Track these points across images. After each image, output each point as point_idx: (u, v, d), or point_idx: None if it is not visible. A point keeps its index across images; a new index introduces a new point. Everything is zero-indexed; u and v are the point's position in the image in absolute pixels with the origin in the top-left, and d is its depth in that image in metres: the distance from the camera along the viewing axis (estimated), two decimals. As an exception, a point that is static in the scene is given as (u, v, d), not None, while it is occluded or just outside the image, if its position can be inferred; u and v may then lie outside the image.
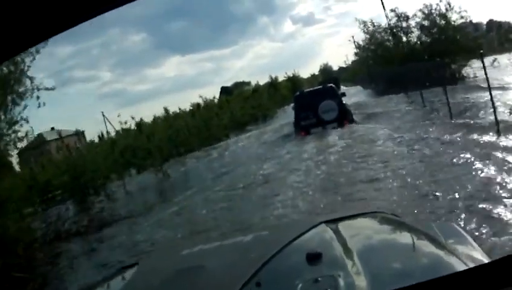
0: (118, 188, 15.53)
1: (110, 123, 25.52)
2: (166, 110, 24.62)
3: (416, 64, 18.94)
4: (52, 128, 31.42)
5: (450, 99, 12.85)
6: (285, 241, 1.69)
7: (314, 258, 1.49)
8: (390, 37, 25.56)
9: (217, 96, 37.39)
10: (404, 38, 24.31)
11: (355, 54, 34.27)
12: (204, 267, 1.67)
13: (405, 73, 18.86)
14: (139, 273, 1.95)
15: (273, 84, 57.23)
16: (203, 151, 19.39)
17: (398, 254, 1.63)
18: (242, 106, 29.93)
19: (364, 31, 27.31)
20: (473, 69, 18.64)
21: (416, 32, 23.84)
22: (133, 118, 22.02)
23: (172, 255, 2.28)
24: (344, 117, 15.22)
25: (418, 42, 23.68)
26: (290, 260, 1.63)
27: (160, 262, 2.14)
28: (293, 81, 58.97)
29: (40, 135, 28.58)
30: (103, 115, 28.49)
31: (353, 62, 48.92)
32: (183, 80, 53.76)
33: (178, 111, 26.12)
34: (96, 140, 22.60)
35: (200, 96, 33.64)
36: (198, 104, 26.27)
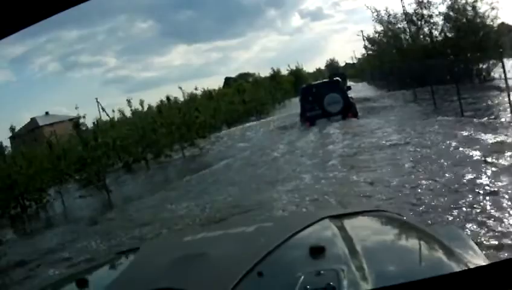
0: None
1: (104, 111, 25.07)
2: (129, 102, 21.77)
3: (436, 60, 18.03)
4: (47, 113, 31.56)
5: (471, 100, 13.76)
6: (289, 233, 1.68)
7: (317, 251, 1.48)
8: (408, 27, 23.17)
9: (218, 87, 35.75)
10: (426, 29, 21.86)
11: (365, 47, 32.36)
12: (206, 254, 1.65)
13: (422, 70, 18.18)
14: (139, 258, 1.92)
15: (274, 77, 52.72)
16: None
17: (401, 252, 1.65)
18: (231, 100, 25.28)
19: (377, 20, 24.77)
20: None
21: (439, 23, 21.49)
22: (119, 111, 21.28)
23: (174, 241, 2.34)
24: (348, 110, 16.32)
25: (442, 34, 21.38)
26: (292, 252, 1.62)
27: (162, 248, 2.15)
28: (296, 74, 55.52)
29: (33, 120, 28.36)
30: (97, 102, 27.96)
31: (360, 59, 48.23)
32: (190, 69, 53.08)
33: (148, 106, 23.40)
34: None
35: (196, 88, 29.97)
36: (168, 98, 23.47)
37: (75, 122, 18.48)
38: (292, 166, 10.51)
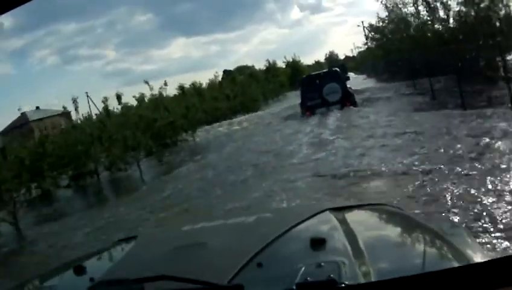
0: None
1: (94, 104, 23.60)
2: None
3: (451, 48, 16.06)
4: (37, 108, 30.05)
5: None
6: (289, 225, 1.73)
7: (317, 243, 1.50)
8: (417, 11, 20.60)
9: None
10: (442, 12, 19.24)
11: (366, 36, 29.59)
12: (205, 244, 1.70)
13: (433, 58, 16.67)
14: (138, 246, 1.96)
15: (269, 69, 48.87)
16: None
17: (402, 246, 1.69)
18: (215, 95, 21.85)
19: (382, 2, 22.36)
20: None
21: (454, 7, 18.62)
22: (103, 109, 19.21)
23: (173, 230, 2.42)
24: (347, 99, 17.14)
25: (459, 18, 18.31)
26: (293, 244, 1.65)
27: (160, 236, 2.23)
28: (293, 67, 51.91)
29: (23, 114, 26.30)
30: (87, 96, 26.57)
31: (360, 52, 47.24)
32: (189, 62, 52.84)
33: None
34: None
35: (183, 84, 27.75)
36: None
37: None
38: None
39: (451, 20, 19.00)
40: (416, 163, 7.60)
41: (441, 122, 10.68)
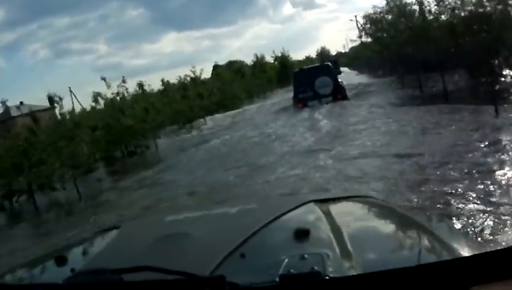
0: None
1: (77, 100, 23.39)
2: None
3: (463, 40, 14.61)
4: (21, 103, 29.81)
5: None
6: (273, 216, 1.73)
7: (301, 235, 1.47)
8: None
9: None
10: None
11: (360, 29, 27.20)
12: (188, 234, 1.67)
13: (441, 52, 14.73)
14: (120, 236, 1.93)
15: (256, 65, 45.82)
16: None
17: (387, 239, 1.68)
18: (186, 94, 18.91)
19: None
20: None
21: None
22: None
23: (156, 221, 2.37)
24: (338, 92, 17.82)
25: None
26: (276, 235, 1.65)
27: (143, 227, 2.20)
28: (282, 62, 49.02)
29: (6, 109, 25.83)
30: (70, 91, 26.57)
31: (353, 47, 45.67)
32: (180, 57, 51.67)
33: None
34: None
35: (162, 80, 25.73)
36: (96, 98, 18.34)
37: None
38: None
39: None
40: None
41: (423, 116, 11.50)
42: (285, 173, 8.46)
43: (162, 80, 26.37)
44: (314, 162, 8.85)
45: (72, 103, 24.27)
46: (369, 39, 27.08)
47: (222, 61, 47.75)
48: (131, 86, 19.89)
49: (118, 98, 17.93)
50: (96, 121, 15.79)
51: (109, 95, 18.30)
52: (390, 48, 21.48)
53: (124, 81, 18.40)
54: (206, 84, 28.50)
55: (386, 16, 22.20)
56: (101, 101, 18.26)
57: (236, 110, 23.56)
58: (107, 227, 2.24)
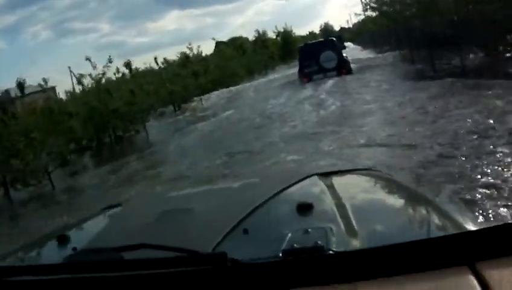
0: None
1: (78, 80, 19.12)
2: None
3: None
4: (19, 83, 29.02)
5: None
6: (276, 190, 1.75)
7: (305, 209, 1.49)
8: None
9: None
10: None
11: (365, 3, 24.93)
12: (190, 210, 1.70)
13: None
14: (122, 214, 1.99)
15: (257, 41, 44.44)
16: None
17: (392, 212, 1.66)
18: (177, 72, 17.83)
19: None
20: None
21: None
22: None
23: (158, 197, 2.47)
24: (342, 66, 18.23)
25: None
26: (279, 209, 1.65)
27: (145, 203, 2.22)
28: (285, 37, 47.59)
29: (7, 91, 25.79)
30: (70, 71, 24.84)
31: (355, 24, 48.15)
32: (183, 34, 51.41)
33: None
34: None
35: (155, 58, 23.93)
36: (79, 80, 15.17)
37: None
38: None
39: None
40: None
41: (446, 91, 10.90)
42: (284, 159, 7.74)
43: (155, 58, 25.30)
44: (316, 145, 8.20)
45: (72, 83, 23.87)
46: (375, 13, 26.77)
47: (225, 38, 46.77)
48: (137, 64, 19.68)
49: (103, 79, 16.42)
50: (78, 106, 14.93)
51: (94, 77, 16.62)
52: (398, 21, 20.15)
53: (110, 61, 16.84)
54: (206, 60, 27.51)
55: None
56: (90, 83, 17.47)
57: (234, 87, 22.81)
58: (109, 205, 2.24)
